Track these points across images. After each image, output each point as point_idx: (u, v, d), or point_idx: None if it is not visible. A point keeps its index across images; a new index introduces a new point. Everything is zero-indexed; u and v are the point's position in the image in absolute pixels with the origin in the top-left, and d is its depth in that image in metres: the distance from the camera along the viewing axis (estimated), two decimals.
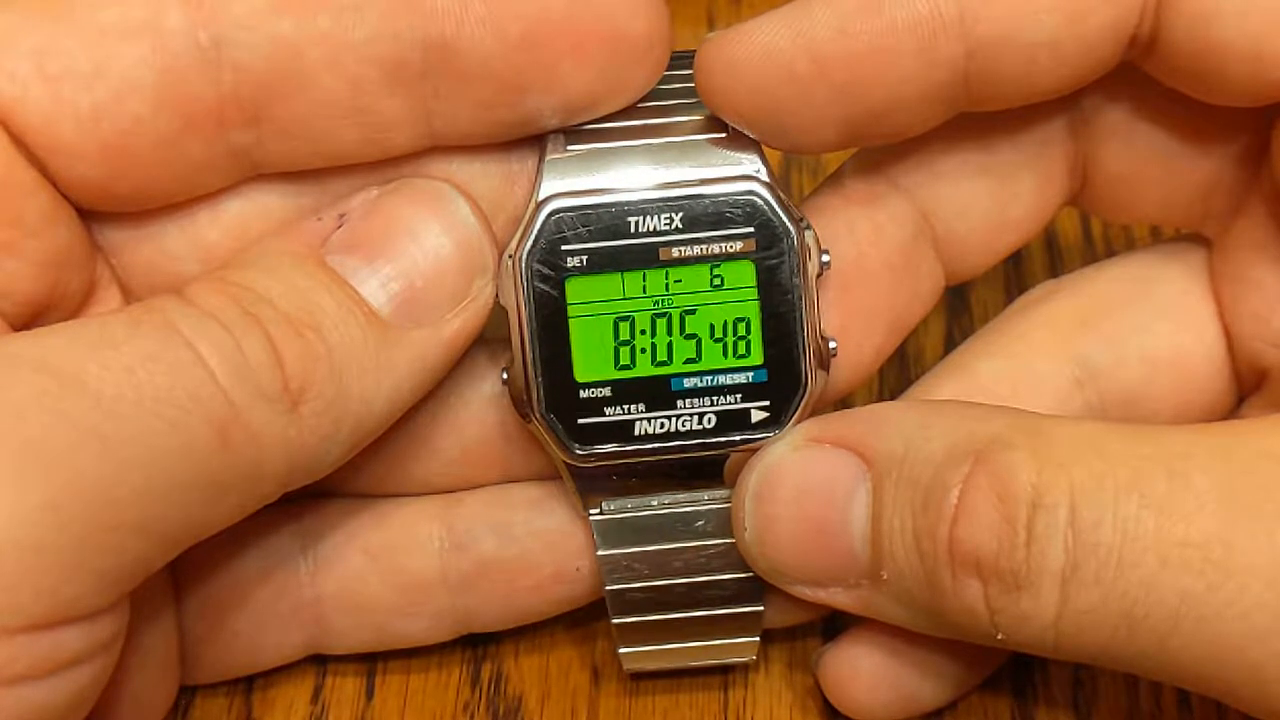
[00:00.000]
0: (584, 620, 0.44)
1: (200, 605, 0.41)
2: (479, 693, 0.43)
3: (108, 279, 0.38)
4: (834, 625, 0.43)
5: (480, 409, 0.41)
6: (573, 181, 0.38)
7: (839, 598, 0.38)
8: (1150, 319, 0.42)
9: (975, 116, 0.40)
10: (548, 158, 0.38)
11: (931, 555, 0.35)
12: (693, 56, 0.38)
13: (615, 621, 0.41)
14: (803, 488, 0.38)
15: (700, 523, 0.40)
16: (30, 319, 0.37)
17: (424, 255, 0.37)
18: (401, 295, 0.36)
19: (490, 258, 0.38)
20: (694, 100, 0.38)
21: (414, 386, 0.37)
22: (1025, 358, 0.42)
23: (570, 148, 0.38)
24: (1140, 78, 0.39)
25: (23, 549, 0.30)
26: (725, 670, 0.43)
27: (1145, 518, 0.33)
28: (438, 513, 0.42)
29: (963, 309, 0.50)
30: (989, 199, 0.41)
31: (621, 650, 0.41)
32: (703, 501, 0.40)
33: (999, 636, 0.35)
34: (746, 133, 0.38)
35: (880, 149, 0.41)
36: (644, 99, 0.38)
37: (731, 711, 0.43)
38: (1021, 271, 0.47)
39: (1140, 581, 0.33)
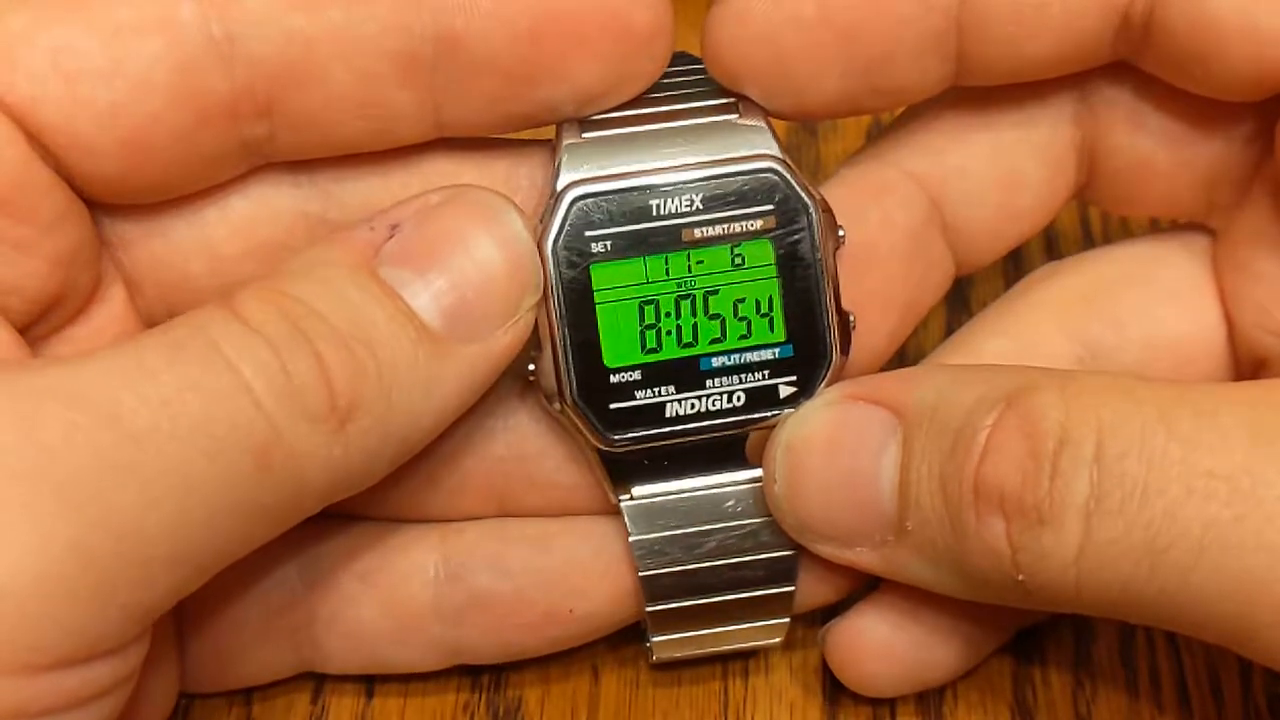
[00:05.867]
0: None
1: (195, 622, 0.41)
2: (479, 693, 0.43)
3: (112, 275, 0.38)
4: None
5: (481, 442, 0.41)
6: (592, 168, 0.38)
7: (865, 557, 0.38)
8: (1153, 302, 0.42)
9: (982, 105, 0.41)
10: (565, 145, 0.38)
11: (956, 497, 0.35)
12: (694, 56, 0.39)
13: (649, 609, 0.40)
14: (834, 440, 0.38)
15: (730, 504, 0.40)
16: (38, 316, 0.36)
17: (477, 270, 0.36)
18: (453, 309, 0.36)
19: (540, 274, 0.37)
20: (700, 90, 0.39)
21: (460, 403, 0.37)
22: (1028, 337, 0.42)
23: (586, 135, 0.38)
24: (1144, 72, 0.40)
25: (48, 588, 0.30)
26: (725, 671, 0.43)
27: (1172, 449, 0.33)
28: (436, 542, 0.41)
29: (962, 306, 0.51)
30: (997, 187, 0.42)
31: (654, 639, 0.41)
32: (732, 483, 0.40)
33: (1020, 578, 0.35)
34: (752, 98, 0.39)
35: (888, 138, 0.42)
36: (652, 90, 0.38)
37: (731, 711, 0.43)
38: (1021, 268, 0.47)
39: (1165, 511, 0.33)
